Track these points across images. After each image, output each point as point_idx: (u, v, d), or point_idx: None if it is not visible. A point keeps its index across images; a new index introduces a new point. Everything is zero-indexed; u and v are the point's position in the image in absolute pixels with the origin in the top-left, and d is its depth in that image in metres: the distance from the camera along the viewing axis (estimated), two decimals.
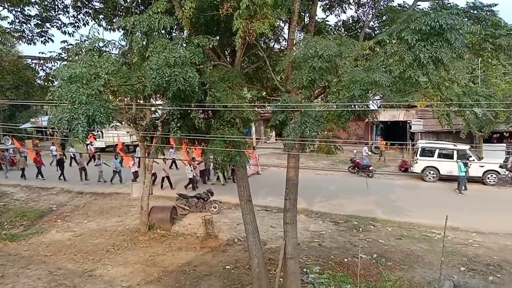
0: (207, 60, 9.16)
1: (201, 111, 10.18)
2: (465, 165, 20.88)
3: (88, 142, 32.04)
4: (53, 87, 9.52)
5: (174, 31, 10.43)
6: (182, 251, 14.71)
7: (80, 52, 10.33)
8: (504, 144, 26.26)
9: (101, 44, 8.87)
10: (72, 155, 29.94)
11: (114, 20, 12.97)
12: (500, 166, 22.23)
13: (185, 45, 8.79)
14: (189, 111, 9.39)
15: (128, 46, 9.65)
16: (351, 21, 11.73)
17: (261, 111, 17.97)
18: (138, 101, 14.48)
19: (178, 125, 9.58)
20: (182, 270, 13.17)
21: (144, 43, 8.44)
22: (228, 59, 11.10)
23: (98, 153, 29.95)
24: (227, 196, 19.96)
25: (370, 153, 29.20)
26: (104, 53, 8.79)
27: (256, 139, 33.94)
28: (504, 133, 27.03)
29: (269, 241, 15.22)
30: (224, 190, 21.71)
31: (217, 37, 9.87)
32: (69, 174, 25.83)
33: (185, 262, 13.72)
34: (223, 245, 15.17)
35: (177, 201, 18.73)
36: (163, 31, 8.76)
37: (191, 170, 22.25)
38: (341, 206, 19.12)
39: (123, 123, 17.51)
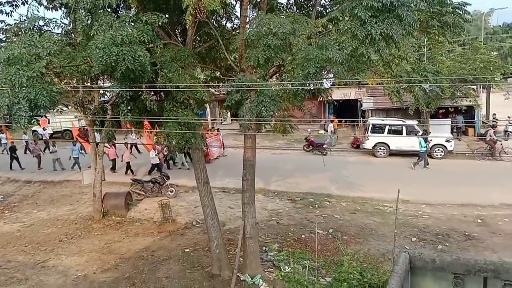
0: (157, 38, 8.82)
1: (152, 93, 9.85)
2: (425, 140, 21.66)
3: (34, 128, 30.32)
4: None
5: (120, 9, 9.93)
6: (139, 237, 14.42)
7: (19, 33, 9.68)
8: (449, 119, 27.48)
9: (41, 22, 8.38)
10: (25, 142, 28.34)
11: None
12: (447, 140, 23.27)
13: (133, 23, 8.41)
14: (139, 92, 9.06)
15: (71, 25, 9.12)
16: None
17: (216, 92, 17.72)
18: (85, 83, 13.82)
19: (129, 107, 9.25)
20: (140, 256, 12.93)
21: (89, 21, 7.97)
22: (179, 38, 10.77)
23: (52, 140, 28.39)
24: (183, 180, 19.70)
25: (323, 131, 29.61)
26: (45, 33, 8.27)
27: (212, 120, 33.57)
28: (449, 109, 28.22)
29: (228, 222, 15.23)
30: (180, 173, 21.39)
31: (167, 15, 9.50)
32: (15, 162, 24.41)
33: (142, 248, 13.47)
34: (182, 228, 15.01)
35: (132, 187, 18.28)
36: (108, 9, 8.32)
37: (156, 155, 21.63)
38: (297, 184, 19.41)
39: (69, 107, 16.70)
